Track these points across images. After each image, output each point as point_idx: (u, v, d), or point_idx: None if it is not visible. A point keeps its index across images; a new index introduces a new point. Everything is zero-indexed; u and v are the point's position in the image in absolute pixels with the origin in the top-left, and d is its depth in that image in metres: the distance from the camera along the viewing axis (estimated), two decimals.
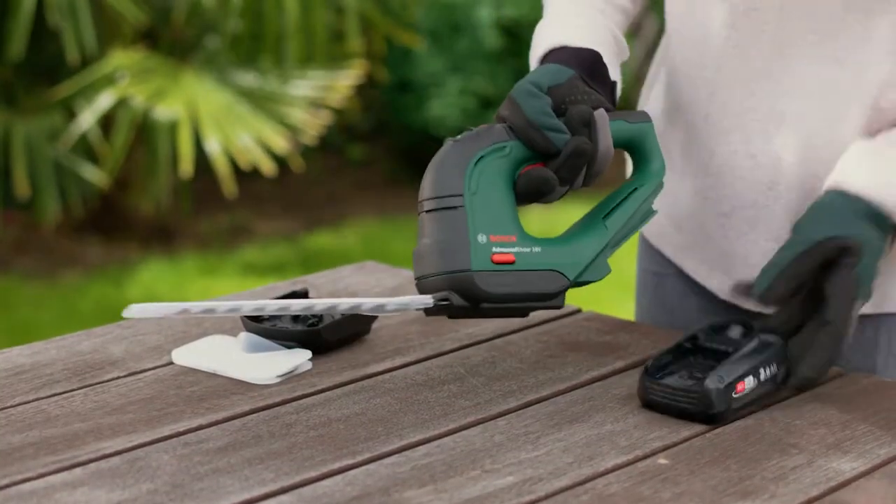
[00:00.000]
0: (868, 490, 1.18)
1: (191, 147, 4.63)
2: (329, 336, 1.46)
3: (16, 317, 4.61)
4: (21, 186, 4.66)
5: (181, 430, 1.27)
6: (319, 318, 1.47)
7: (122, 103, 4.72)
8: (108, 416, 1.30)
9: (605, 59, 1.43)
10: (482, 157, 1.33)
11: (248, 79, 4.94)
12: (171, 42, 5.10)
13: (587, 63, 1.42)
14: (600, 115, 1.36)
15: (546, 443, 1.26)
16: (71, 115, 4.82)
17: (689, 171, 1.56)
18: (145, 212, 5.30)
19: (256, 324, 1.47)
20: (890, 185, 1.41)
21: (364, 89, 5.60)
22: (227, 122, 4.72)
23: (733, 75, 1.50)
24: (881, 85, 1.45)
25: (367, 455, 1.23)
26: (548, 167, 1.34)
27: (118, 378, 1.40)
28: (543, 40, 1.47)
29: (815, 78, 1.46)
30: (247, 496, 1.15)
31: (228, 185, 4.70)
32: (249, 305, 1.31)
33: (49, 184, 4.79)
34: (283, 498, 1.15)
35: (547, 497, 1.15)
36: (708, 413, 1.30)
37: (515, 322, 1.55)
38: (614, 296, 3.56)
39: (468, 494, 1.15)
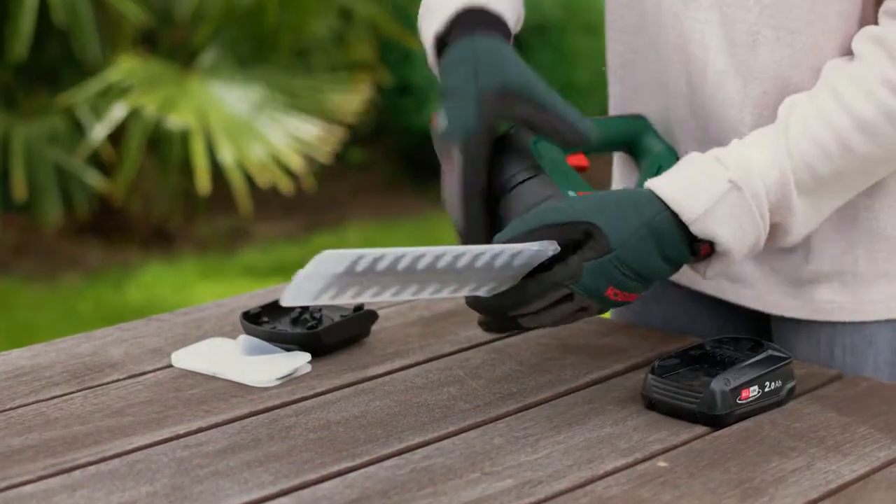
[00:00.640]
0: (867, 493, 1.18)
1: (205, 161, 4.62)
2: (328, 339, 1.46)
3: (15, 319, 4.61)
4: (19, 189, 4.66)
5: (181, 432, 1.27)
6: (319, 320, 1.47)
7: (133, 113, 4.71)
8: (107, 418, 1.30)
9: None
10: (535, 141, 1.37)
11: (256, 88, 4.93)
12: (170, 46, 5.09)
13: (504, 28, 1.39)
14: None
15: (545, 445, 1.26)
16: (71, 118, 4.82)
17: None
18: (147, 216, 5.30)
19: (256, 327, 1.47)
20: (693, 198, 1.30)
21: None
22: (240, 134, 4.71)
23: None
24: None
25: (366, 458, 1.23)
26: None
27: (118, 381, 1.40)
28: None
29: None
30: (246, 499, 1.15)
31: (244, 202, 4.69)
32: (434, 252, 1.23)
33: (49, 187, 4.79)
34: (283, 500, 1.15)
35: (546, 500, 1.15)
36: (710, 414, 1.30)
37: None
38: None
39: (467, 497, 1.15)
